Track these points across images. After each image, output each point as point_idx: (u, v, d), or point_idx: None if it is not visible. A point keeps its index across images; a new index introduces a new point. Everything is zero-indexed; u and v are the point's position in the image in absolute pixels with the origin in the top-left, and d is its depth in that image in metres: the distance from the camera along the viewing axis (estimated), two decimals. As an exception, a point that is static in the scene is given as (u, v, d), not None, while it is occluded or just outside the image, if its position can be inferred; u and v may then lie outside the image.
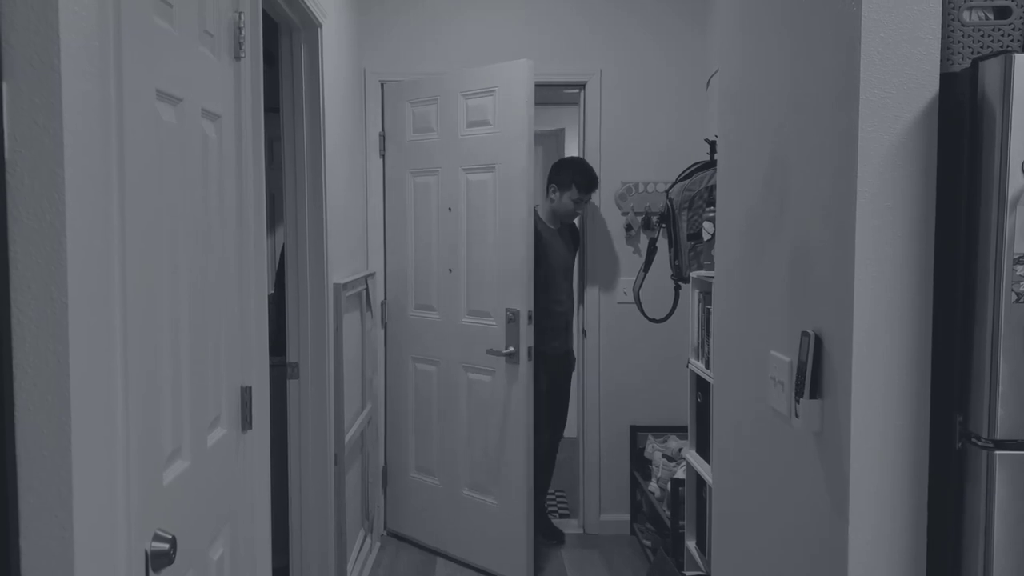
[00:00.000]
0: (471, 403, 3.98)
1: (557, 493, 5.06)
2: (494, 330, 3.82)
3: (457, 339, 3.99)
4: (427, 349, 4.17)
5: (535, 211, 3.92)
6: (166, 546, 1.37)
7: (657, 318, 3.54)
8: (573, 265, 4.30)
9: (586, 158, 4.34)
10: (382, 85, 4.23)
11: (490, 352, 3.80)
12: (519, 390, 3.75)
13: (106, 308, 1.22)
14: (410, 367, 4.27)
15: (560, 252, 4.17)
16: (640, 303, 3.57)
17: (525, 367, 3.72)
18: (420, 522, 4.26)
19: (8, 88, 1.07)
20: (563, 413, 4.37)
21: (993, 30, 1.36)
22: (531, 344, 3.72)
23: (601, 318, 4.36)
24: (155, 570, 1.36)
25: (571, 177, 4.08)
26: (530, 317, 3.71)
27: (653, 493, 3.96)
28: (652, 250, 3.47)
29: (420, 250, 4.16)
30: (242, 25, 1.85)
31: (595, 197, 4.31)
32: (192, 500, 1.58)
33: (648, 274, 3.54)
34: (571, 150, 6.43)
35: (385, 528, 4.41)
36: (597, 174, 4.17)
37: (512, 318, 3.72)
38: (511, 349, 3.73)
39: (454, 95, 3.94)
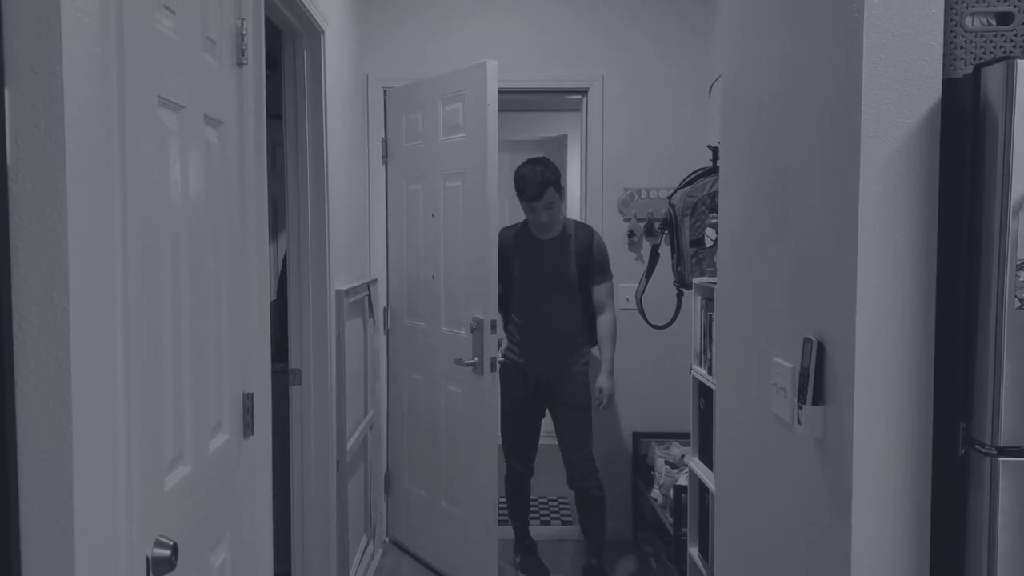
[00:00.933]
0: (447, 414, 3.93)
1: (560, 499, 5.05)
2: (464, 340, 3.73)
3: (439, 348, 3.92)
4: (416, 358, 4.14)
5: (527, 220, 3.88)
6: (167, 552, 1.37)
7: (659, 324, 3.53)
8: (573, 278, 3.86)
9: (588, 164, 4.33)
10: (384, 91, 4.24)
11: (456, 362, 3.71)
12: (484, 401, 3.65)
13: (108, 313, 1.22)
14: (405, 376, 4.24)
15: (551, 263, 3.85)
16: (643, 310, 3.54)
17: (489, 378, 3.61)
18: (414, 534, 4.23)
19: (10, 94, 1.08)
20: (530, 444, 4.00)
21: (995, 36, 1.36)
22: (494, 355, 3.61)
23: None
24: (156, 576, 1.36)
25: (517, 187, 3.79)
26: (494, 326, 3.58)
27: (655, 500, 3.95)
28: (655, 257, 3.45)
29: (411, 257, 4.13)
30: (244, 31, 1.85)
31: (597, 204, 4.30)
32: (194, 506, 1.58)
33: (650, 281, 3.52)
34: (573, 156, 6.44)
35: (388, 535, 4.40)
36: (538, 177, 3.70)
37: (476, 327, 3.62)
38: (475, 359, 3.64)
39: (434, 101, 3.89)
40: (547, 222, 3.78)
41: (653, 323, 3.52)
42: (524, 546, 4.14)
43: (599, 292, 3.87)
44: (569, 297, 3.87)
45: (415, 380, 4.15)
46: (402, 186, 4.17)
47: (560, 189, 3.79)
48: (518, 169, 3.78)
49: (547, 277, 3.84)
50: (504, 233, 3.89)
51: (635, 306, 3.61)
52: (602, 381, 3.87)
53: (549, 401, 3.92)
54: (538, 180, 3.69)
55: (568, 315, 3.88)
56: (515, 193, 3.80)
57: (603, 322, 3.88)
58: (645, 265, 3.49)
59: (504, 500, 4.08)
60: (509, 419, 3.94)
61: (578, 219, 4.16)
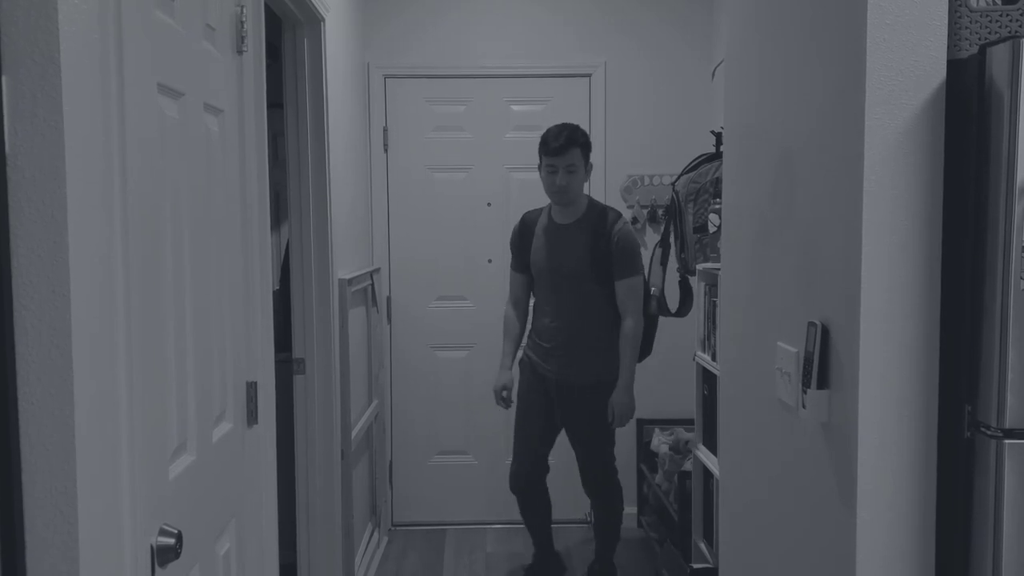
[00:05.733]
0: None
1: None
2: None
3: (495, 325, 3.96)
4: (455, 337, 4.38)
5: (550, 206, 3.51)
6: (172, 541, 1.37)
7: (673, 312, 3.46)
8: (586, 268, 3.36)
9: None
10: (385, 79, 4.23)
11: None
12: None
13: (109, 301, 1.22)
14: (429, 357, 4.39)
15: (565, 251, 3.39)
16: (665, 300, 3.35)
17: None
18: (431, 505, 4.42)
19: (8, 81, 1.07)
20: (536, 453, 3.54)
21: (1001, 16, 1.35)
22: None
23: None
24: (161, 565, 1.36)
25: (540, 145, 3.39)
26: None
27: (660, 486, 3.95)
28: (666, 246, 3.31)
29: (449, 243, 4.32)
30: (244, 19, 1.84)
31: (600, 190, 4.28)
32: (198, 495, 1.58)
33: (665, 269, 3.37)
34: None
35: (392, 522, 4.41)
36: (567, 132, 3.31)
37: None
38: None
39: (496, 100, 4.27)
40: (562, 186, 3.28)
41: (671, 312, 3.44)
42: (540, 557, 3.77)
43: (621, 289, 3.35)
44: (586, 292, 3.37)
45: (451, 358, 4.42)
46: (425, 175, 4.32)
47: (588, 159, 3.37)
48: (548, 129, 3.39)
49: (560, 267, 3.38)
50: (527, 216, 3.60)
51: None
52: (617, 396, 3.37)
53: (562, 410, 3.48)
54: (566, 135, 3.29)
55: (584, 313, 3.38)
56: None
57: (623, 327, 3.36)
58: (653, 254, 3.40)
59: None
60: (520, 422, 3.58)
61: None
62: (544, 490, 3.62)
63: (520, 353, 3.60)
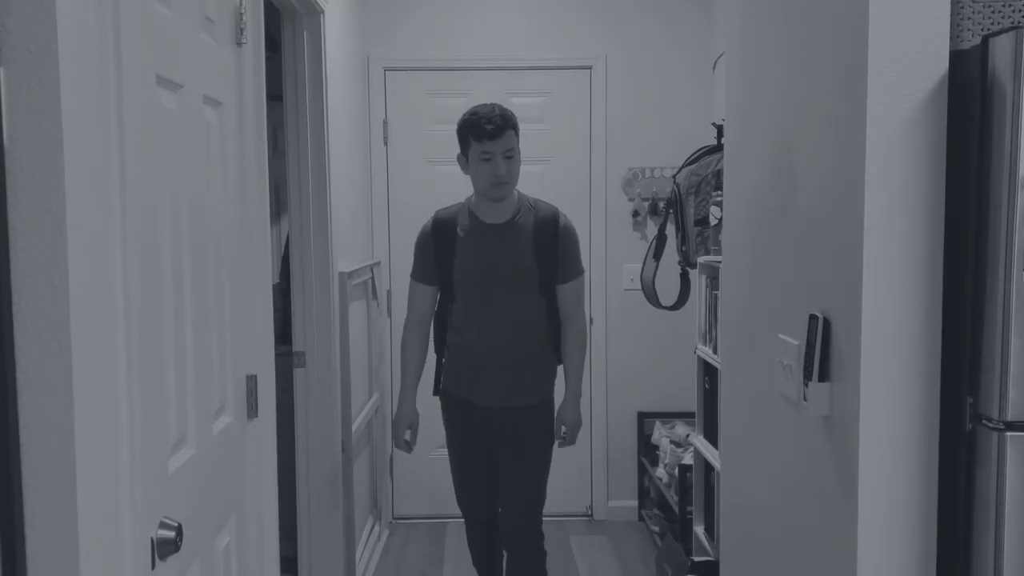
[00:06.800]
0: None
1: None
2: None
3: None
4: None
5: (471, 201, 2.87)
6: (172, 534, 1.37)
7: (668, 305, 3.46)
8: (532, 275, 2.79)
9: (592, 144, 4.30)
10: (385, 71, 4.23)
11: None
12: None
13: (108, 295, 1.21)
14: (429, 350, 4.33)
15: (503, 256, 2.79)
16: (656, 292, 3.38)
17: None
18: (432, 498, 4.37)
19: (6, 73, 1.06)
20: (489, 491, 2.95)
21: (1003, 6, 1.34)
22: None
23: (608, 304, 4.34)
24: (161, 558, 1.36)
25: (465, 131, 2.74)
26: None
27: (661, 479, 3.96)
28: (663, 237, 3.32)
29: None
30: (243, 11, 1.84)
31: (601, 183, 4.27)
32: (198, 488, 1.58)
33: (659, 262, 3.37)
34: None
35: (393, 515, 4.41)
36: (497, 111, 2.71)
37: None
38: None
39: (496, 92, 4.01)
40: (504, 176, 2.69)
41: (663, 304, 3.45)
42: None
43: (566, 293, 2.85)
44: (524, 302, 2.81)
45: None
46: (426, 168, 4.27)
47: (519, 141, 2.77)
48: (464, 114, 2.77)
49: (497, 275, 2.78)
50: (441, 217, 2.89)
51: (639, 287, 3.55)
52: (567, 411, 2.91)
53: (500, 439, 2.89)
54: (500, 114, 2.70)
55: (522, 327, 2.83)
56: (455, 152, 2.82)
57: (570, 333, 2.89)
58: (651, 246, 3.41)
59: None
60: (458, 465, 3.00)
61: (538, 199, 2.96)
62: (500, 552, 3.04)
63: (435, 383, 3.01)
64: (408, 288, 2.98)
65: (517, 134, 2.75)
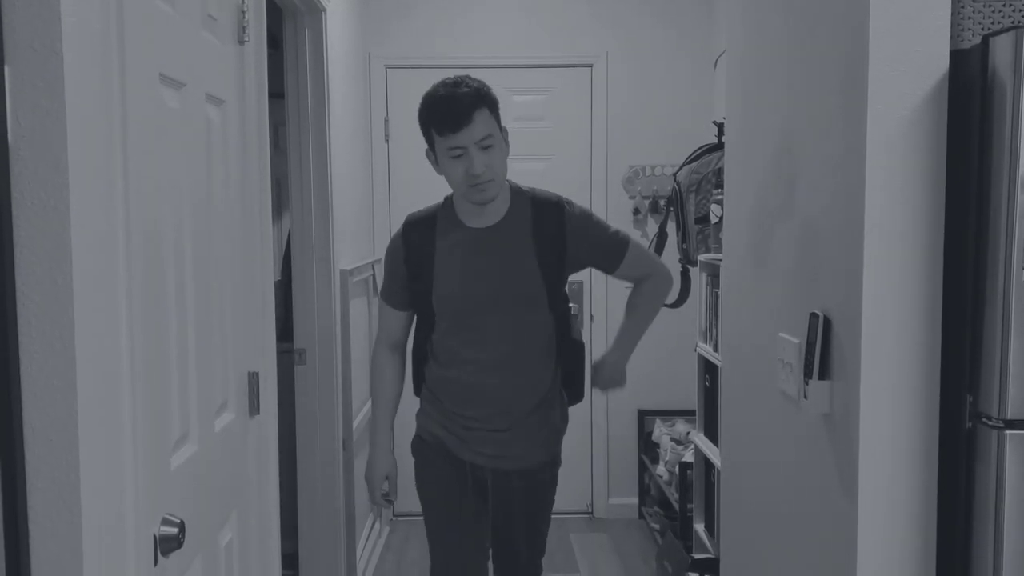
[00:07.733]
0: None
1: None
2: None
3: None
4: None
5: (451, 201, 2.19)
6: (174, 530, 1.38)
7: (669, 303, 3.45)
8: (538, 286, 2.12)
9: (593, 142, 4.30)
10: (386, 69, 4.23)
11: None
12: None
13: (111, 292, 1.22)
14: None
15: (499, 265, 2.11)
16: None
17: None
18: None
19: (11, 72, 1.07)
20: (478, 561, 2.30)
21: (1004, 6, 1.34)
22: None
23: (608, 302, 4.34)
24: (163, 554, 1.36)
25: (425, 123, 2.06)
26: None
27: (661, 477, 3.96)
28: (663, 235, 3.33)
29: None
30: (245, 9, 1.84)
31: (602, 181, 4.27)
32: (200, 485, 1.58)
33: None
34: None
35: (394, 512, 4.42)
36: (463, 91, 2.00)
37: None
38: None
39: (497, 90, 3.84)
40: (482, 174, 2.00)
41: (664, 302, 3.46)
42: None
43: (628, 270, 2.26)
44: (528, 324, 2.16)
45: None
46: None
47: (500, 122, 2.07)
48: (423, 96, 2.06)
49: (489, 297, 2.12)
50: (415, 223, 2.22)
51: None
52: (612, 355, 2.43)
53: (494, 502, 2.24)
54: (464, 93, 2.00)
55: (526, 357, 2.17)
56: (429, 152, 2.11)
57: (650, 282, 2.35)
58: (651, 244, 3.42)
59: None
60: (436, 530, 2.29)
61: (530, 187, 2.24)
62: None
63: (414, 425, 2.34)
64: (377, 307, 2.40)
65: (495, 112, 2.05)
